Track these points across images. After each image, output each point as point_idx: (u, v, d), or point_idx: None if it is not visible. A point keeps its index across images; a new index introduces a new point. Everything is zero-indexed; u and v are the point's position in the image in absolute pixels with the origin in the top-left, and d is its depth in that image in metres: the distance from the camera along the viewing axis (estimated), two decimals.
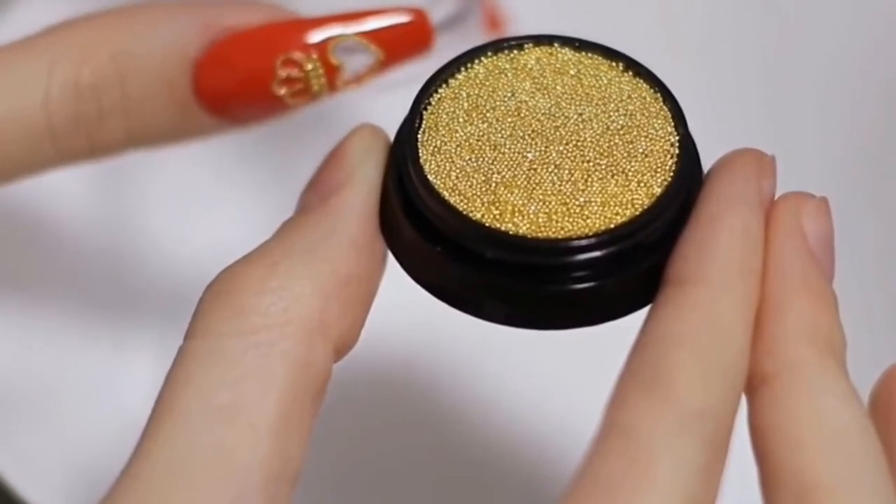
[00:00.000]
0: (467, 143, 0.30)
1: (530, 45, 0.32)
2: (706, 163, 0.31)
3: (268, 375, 0.27)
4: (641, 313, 0.29)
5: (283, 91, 0.30)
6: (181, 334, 0.28)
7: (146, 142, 0.30)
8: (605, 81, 0.31)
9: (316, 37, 0.30)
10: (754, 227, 0.29)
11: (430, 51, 0.31)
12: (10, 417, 0.43)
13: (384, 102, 0.33)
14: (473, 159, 0.30)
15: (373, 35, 0.31)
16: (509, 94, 0.31)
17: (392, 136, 0.32)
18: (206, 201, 0.48)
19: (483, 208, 0.29)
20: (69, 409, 0.44)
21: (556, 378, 0.46)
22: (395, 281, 0.31)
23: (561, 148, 0.30)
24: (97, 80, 0.30)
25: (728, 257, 0.28)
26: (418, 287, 0.30)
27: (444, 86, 0.31)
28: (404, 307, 0.38)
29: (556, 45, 0.32)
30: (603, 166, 0.30)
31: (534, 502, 0.42)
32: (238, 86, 0.30)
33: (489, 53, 0.32)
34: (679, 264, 0.28)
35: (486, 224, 0.29)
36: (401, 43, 0.31)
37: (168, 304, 0.43)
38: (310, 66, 0.30)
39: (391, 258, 0.31)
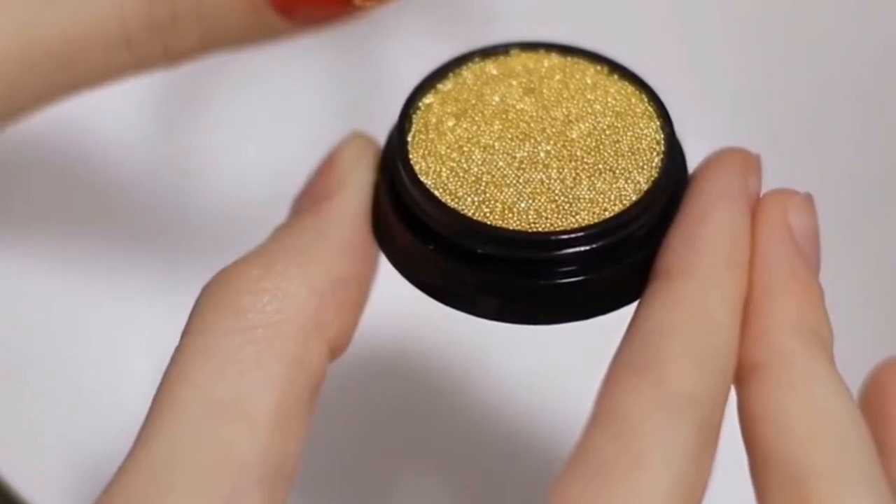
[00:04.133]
0: (457, 145, 0.31)
1: (517, 50, 0.33)
2: (691, 164, 0.32)
3: (266, 371, 0.27)
4: (633, 307, 0.30)
5: None
6: (180, 333, 0.28)
7: (219, 45, 0.30)
8: (591, 84, 0.32)
9: None
10: (741, 221, 0.30)
11: None
12: (9, 417, 0.43)
13: (374, 110, 0.34)
14: (463, 160, 0.30)
15: None
16: (497, 98, 0.32)
17: (381, 144, 0.32)
18: None
19: (473, 207, 0.30)
20: (69, 409, 0.44)
21: (550, 372, 0.46)
22: (389, 283, 0.31)
23: (549, 147, 0.30)
24: None
25: (716, 251, 0.29)
26: (411, 287, 0.31)
27: (432, 91, 0.32)
28: (398, 307, 0.38)
29: (542, 50, 0.33)
30: (591, 164, 0.30)
31: (527, 489, 0.42)
32: None
33: (477, 59, 0.32)
34: (668, 258, 0.29)
35: (477, 220, 0.29)
36: None
37: (167, 304, 0.44)
38: None
39: (384, 261, 0.31)
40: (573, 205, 0.30)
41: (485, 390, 0.46)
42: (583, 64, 0.32)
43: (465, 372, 0.46)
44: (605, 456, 0.26)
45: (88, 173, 0.45)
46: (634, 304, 0.29)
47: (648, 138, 0.31)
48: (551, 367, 0.46)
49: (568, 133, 0.31)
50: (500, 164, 0.30)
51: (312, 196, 0.31)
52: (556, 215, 0.29)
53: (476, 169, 0.30)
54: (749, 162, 0.31)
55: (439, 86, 0.32)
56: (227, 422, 0.27)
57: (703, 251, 0.29)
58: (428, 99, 0.32)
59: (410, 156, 0.31)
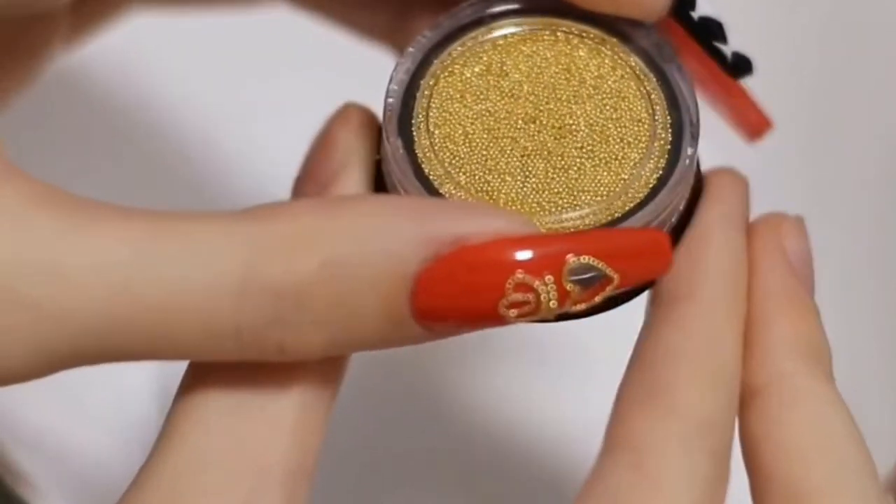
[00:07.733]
0: (461, 127, 0.30)
1: (525, 28, 0.32)
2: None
3: (287, 372, 0.27)
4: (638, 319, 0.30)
5: (510, 312, 0.27)
6: None
7: (345, 350, 0.27)
8: (597, 68, 0.31)
9: (552, 258, 0.27)
10: (739, 244, 0.30)
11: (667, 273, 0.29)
12: (9, 417, 0.44)
13: (368, 74, 0.33)
14: (467, 145, 0.30)
15: (611, 258, 0.27)
16: (504, 78, 0.31)
17: (378, 110, 0.31)
18: None
19: (475, 197, 0.29)
20: (70, 409, 0.44)
21: (555, 382, 0.46)
22: None
23: (554, 133, 0.30)
24: (302, 288, 0.26)
25: (717, 274, 0.29)
26: None
27: (438, 69, 0.31)
28: None
29: (552, 27, 0.32)
30: (596, 153, 0.30)
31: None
32: (462, 304, 0.26)
33: (479, 42, 0.31)
34: (672, 282, 0.29)
35: None
36: (638, 266, 0.28)
37: None
38: (542, 290, 0.26)
39: None
40: (576, 198, 0.29)
41: (489, 392, 0.46)
42: (592, 42, 0.31)
43: (468, 371, 0.46)
44: (622, 486, 0.27)
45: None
46: (630, 302, 0.30)
47: (655, 124, 0.30)
48: (553, 375, 0.46)
49: (574, 118, 0.30)
50: (505, 151, 0.30)
51: (315, 180, 0.31)
52: (558, 207, 0.29)
53: (480, 156, 0.30)
54: (741, 186, 0.32)
55: (446, 61, 0.31)
56: (249, 422, 0.27)
57: (705, 275, 0.29)
58: (434, 76, 0.31)
59: (414, 138, 0.30)
